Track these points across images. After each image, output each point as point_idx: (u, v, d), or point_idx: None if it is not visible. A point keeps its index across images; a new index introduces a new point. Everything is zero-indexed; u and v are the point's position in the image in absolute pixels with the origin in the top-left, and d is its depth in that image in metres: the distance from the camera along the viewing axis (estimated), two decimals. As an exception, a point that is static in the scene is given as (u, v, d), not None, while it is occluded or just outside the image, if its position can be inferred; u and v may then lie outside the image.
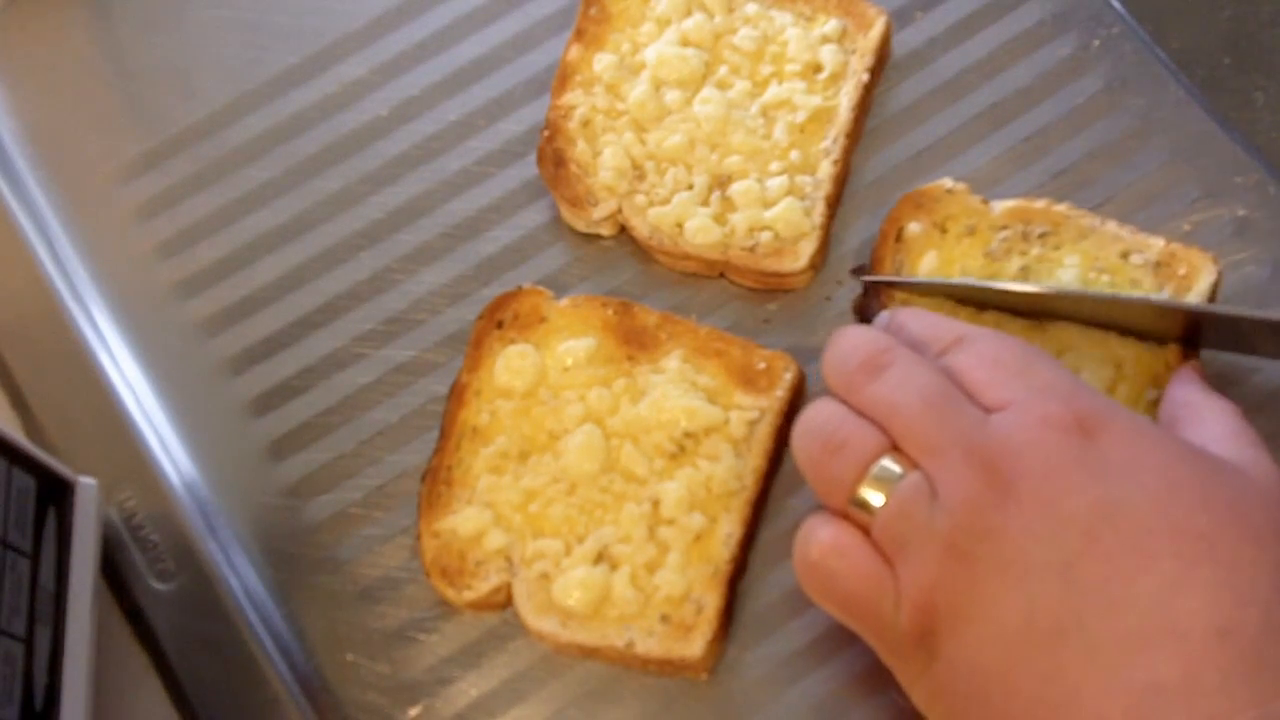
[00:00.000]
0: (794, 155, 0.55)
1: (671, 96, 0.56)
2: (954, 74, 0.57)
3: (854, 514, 0.43)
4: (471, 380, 0.53)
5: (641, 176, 0.55)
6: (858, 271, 0.54)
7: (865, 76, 0.56)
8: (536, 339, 0.53)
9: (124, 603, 0.52)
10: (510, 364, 0.52)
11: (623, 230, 0.55)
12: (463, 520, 0.50)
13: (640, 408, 0.51)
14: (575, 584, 0.49)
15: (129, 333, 0.56)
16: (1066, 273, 0.51)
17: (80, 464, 0.51)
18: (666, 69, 0.56)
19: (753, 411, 0.51)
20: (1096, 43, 0.57)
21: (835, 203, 0.55)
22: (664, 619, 0.48)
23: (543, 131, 0.56)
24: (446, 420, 0.52)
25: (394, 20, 0.60)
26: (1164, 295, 0.51)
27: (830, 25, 0.57)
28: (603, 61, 0.57)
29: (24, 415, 0.55)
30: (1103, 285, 0.51)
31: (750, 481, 0.50)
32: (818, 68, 0.56)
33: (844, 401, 0.45)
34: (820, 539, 0.43)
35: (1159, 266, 0.51)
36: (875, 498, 0.42)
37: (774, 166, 0.55)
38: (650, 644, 0.48)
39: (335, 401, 0.54)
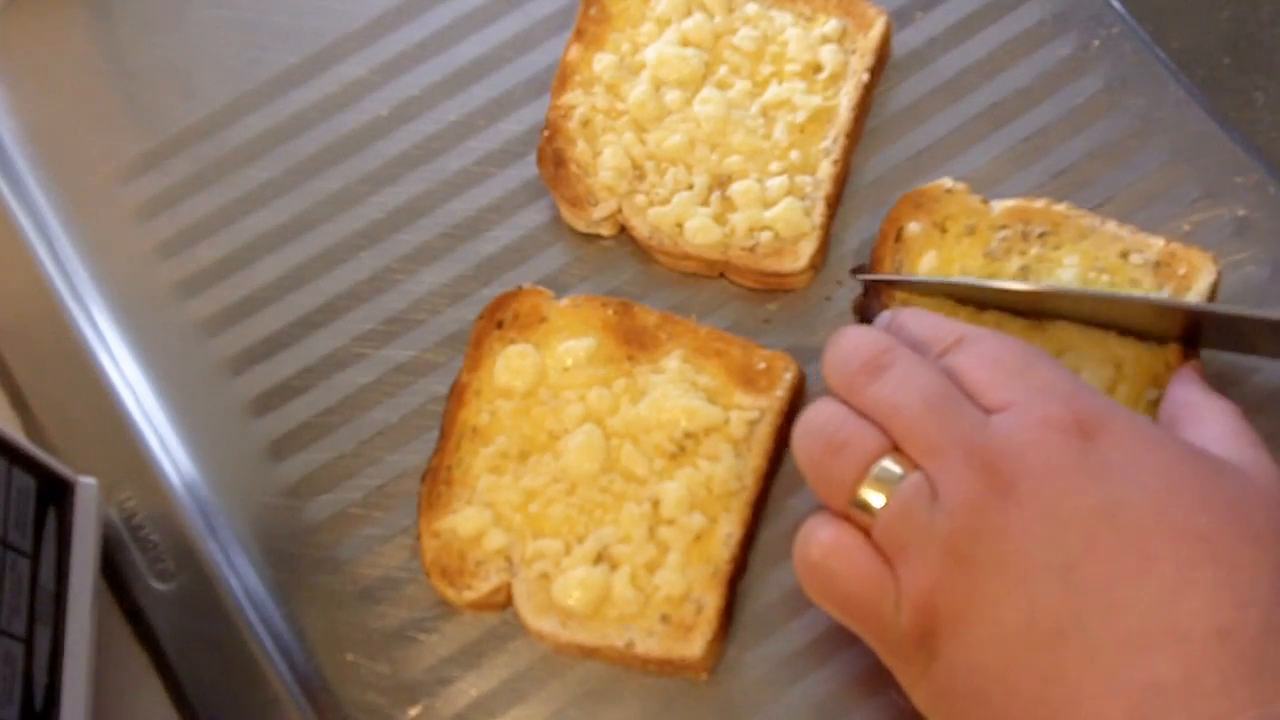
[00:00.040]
0: (794, 155, 0.55)
1: (671, 96, 0.56)
2: (954, 74, 0.57)
3: (854, 515, 0.43)
4: (471, 380, 0.53)
5: (641, 176, 0.55)
6: (858, 271, 0.54)
7: (865, 76, 0.56)
8: (536, 339, 0.53)
9: (124, 603, 0.52)
10: (510, 364, 0.52)
11: (623, 230, 0.55)
12: (463, 520, 0.50)
13: (640, 408, 0.51)
14: (575, 584, 0.49)
15: (129, 333, 0.56)
16: (1066, 272, 0.51)
17: (80, 464, 0.51)
18: (666, 69, 0.56)
19: (753, 411, 0.51)
20: (1096, 43, 0.57)
21: (835, 203, 0.55)
22: (664, 619, 0.48)
23: (543, 131, 0.56)
24: (446, 420, 0.52)
25: (394, 20, 0.60)
26: (1164, 295, 0.51)
27: (830, 25, 0.57)
28: (603, 61, 0.57)
29: (24, 415, 0.55)
30: (1102, 285, 0.51)
31: (750, 481, 0.50)
32: (818, 68, 0.56)
33: (845, 402, 0.44)
34: (821, 539, 0.43)
35: (1159, 266, 0.51)
36: (876, 498, 0.42)
37: (774, 166, 0.55)
38: (650, 644, 0.48)
39: (335, 401, 0.54)
